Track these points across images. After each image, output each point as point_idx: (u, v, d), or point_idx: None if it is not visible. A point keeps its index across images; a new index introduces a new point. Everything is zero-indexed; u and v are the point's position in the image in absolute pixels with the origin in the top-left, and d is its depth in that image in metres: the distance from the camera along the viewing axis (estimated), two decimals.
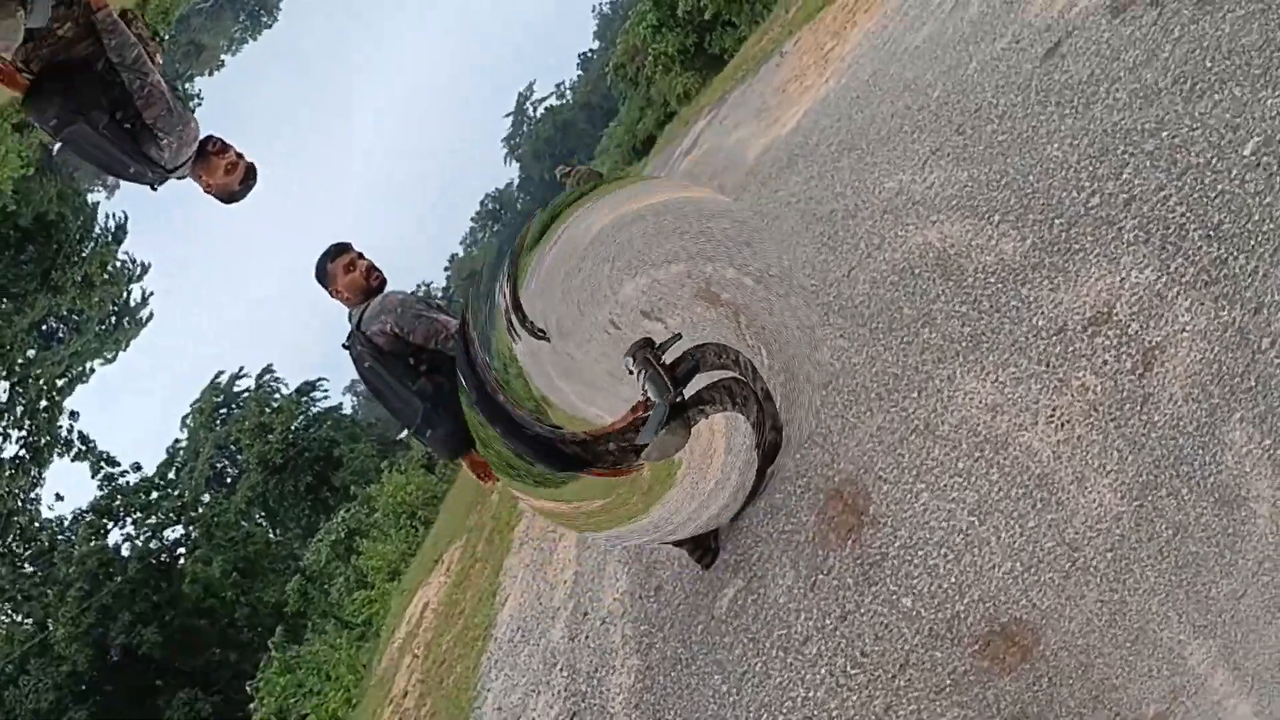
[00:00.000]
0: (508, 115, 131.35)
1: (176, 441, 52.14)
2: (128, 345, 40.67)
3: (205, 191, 3.97)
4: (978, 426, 3.01)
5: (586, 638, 5.46)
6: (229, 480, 52.94)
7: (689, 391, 3.43)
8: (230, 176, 3.90)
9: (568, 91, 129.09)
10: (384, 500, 27.17)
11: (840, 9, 12.94)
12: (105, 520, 33.28)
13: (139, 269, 41.13)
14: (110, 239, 39.19)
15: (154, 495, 36.94)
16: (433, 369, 3.90)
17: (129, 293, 40.68)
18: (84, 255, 37.66)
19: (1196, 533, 2.35)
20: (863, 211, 5.58)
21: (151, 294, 40.06)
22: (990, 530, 2.76)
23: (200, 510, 40.35)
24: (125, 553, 32.51)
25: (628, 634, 4.85)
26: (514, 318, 3.47)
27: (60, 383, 37.61)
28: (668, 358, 3.71)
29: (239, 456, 47.57)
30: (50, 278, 35.23)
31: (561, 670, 5.51)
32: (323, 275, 4.14)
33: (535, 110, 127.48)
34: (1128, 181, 3.14)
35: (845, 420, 3.93)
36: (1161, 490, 2.54)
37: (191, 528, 36.84)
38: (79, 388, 38.92)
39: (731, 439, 3.60)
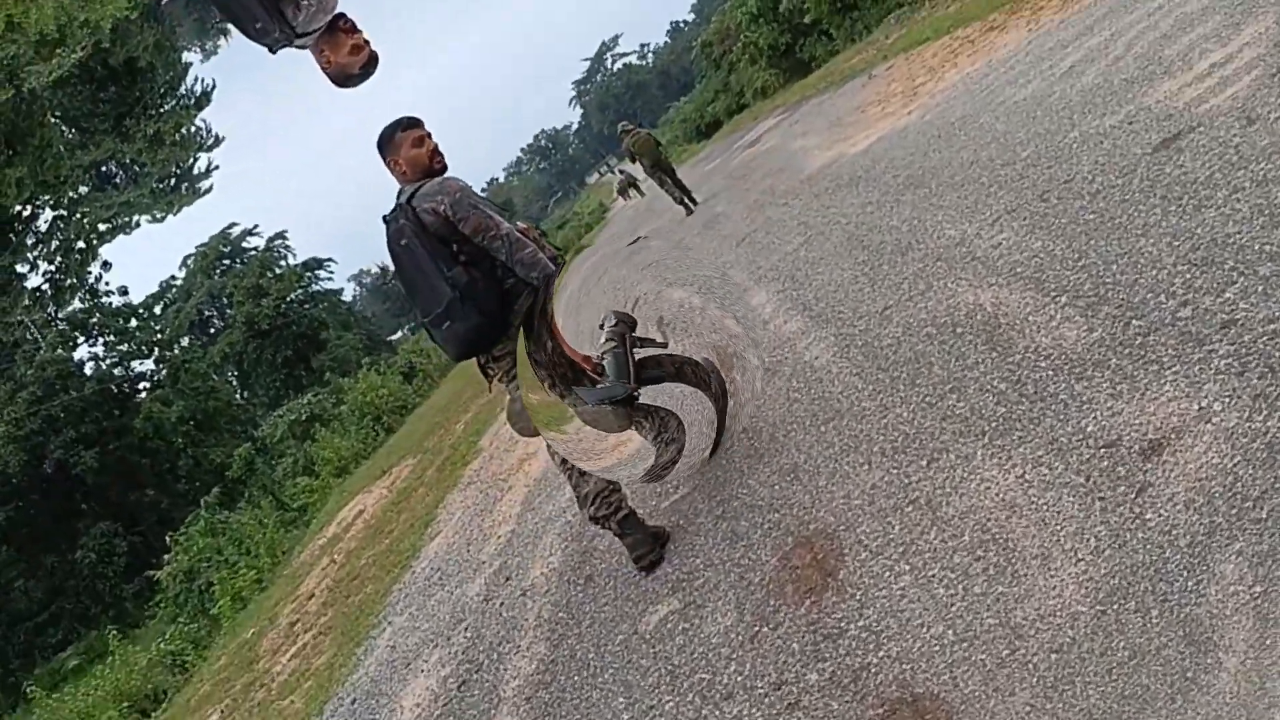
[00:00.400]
0: (585, 60, 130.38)
1: (172, 279, 51.86)
2: (179, 210, 40.03)
3: (323, 68, 3.84)
4: (987, 522, 2.63)
5: (502, 604, 5.10)
6: (212, 331, 52.67)
7: None
8: (353, 58, 3.80)
9: (650, 55, 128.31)
10: (354, 395, 26.81)
11: (943, 48, 12.49)
12: (77, 334, 32.88)
13: (212, 139, 40.80)
14: (193, 102, 38.89)
15: (133, 323, 36.52)
16: (471, 262, 3.82)
17: (195, 160, 40.26)
18: (162, 110, 37.35)
19: (1154, 665, 2.03)
20: (915, 251, 5.19)
21: (217, 167, 39.50)
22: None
23: (175, 352, 39.99)
24: (88, 371, 32.10)
25: (543, 616, 4.49)
26: None
27: (103, 227, 37.17)
28: (641, 352, 3.98)
29: (228, 311, 47.29)
30: (123, 123, 34.88)
31: (466, 630, 5.15)
32: (388, 143, 4.01)
33: (613, 63, 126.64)
34: (1230, 302, 2.76)
35: (838, 465, 3.55)
36: (1130, 602, 2.22)
37: (161, 366, 36.47)
38: (120, 238, 38.52)
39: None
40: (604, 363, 3.90)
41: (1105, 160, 4.35)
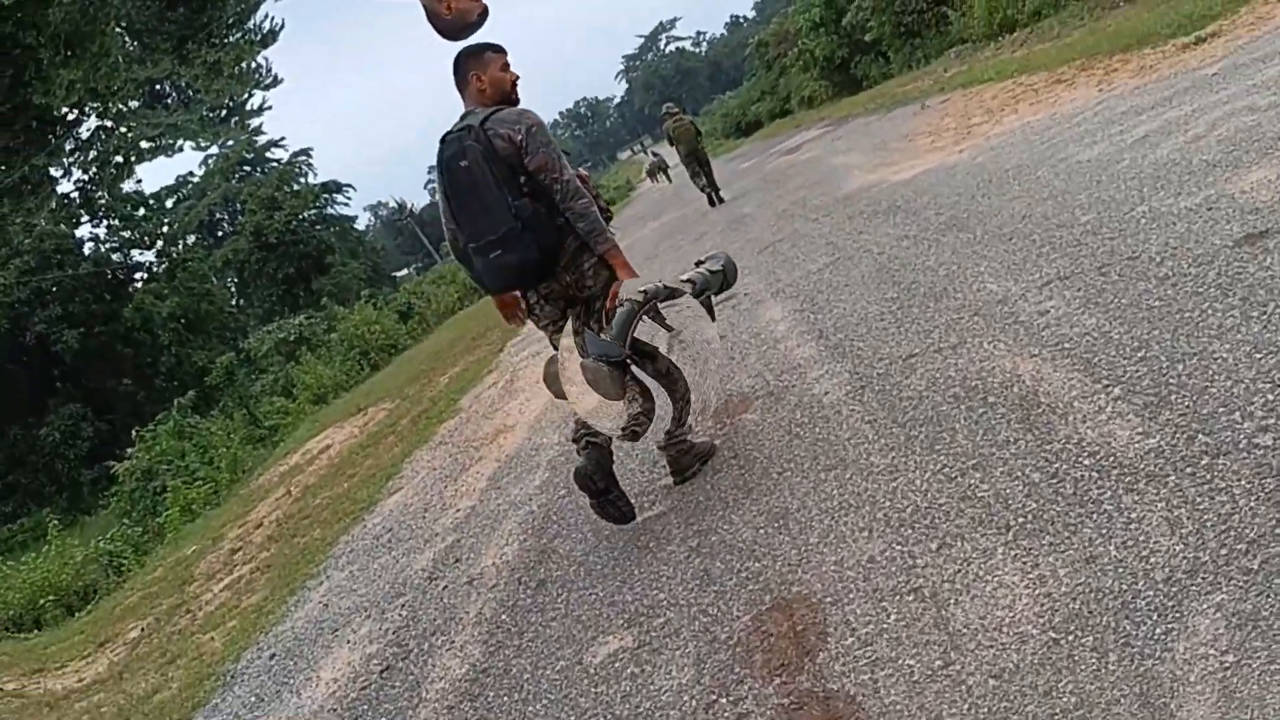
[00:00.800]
0: (640, 36, 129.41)
1: (189, 174, 51.27)
2: (225, 142, 39.52)
3: (438, 15, 3.88)
4: (1005, 640, 2.27)
5: (445, 588, 4.74)
6: (219, 235, 52.15)
7: None
8: (472, 4, 3.89)
9: (704, 43, 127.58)
10: (346, 325, 26.41)
11: (1004, 91, 12.08)
12: (83, 210, 32.31)
13: (270, 79, 40.46)
14: (258, 38, 38.50)
15: (141, 211, 35.99)
16: (534, 196, 3.79)
17: (250, 95, 39.76)
18: (226, 41, 36.93)
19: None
20: (950, 299, 4.82)
21: (270, 107, 38.95)
22: None
23: (178, 248, 39.51)
24: (86, 252, 31.60)
25: (485, 614, 4.13)
26: None
27: (145, 145, 36.60)
28: (639, 331, 3.95)
29: (239, 218, 46.68)
30: (186, 46, 34.41)
31: (403, 607, 4.80)
32: (475, 59, 3.94)
33: (667, 45, 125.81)
34: None
35: (834, 523, 3.19)
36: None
37: (161, 260, 36.00)
38: (160, 159, 38.05)
39: None
40: (621, 304, 3.88)
41: (1178, 245, 3.98)
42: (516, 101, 3.98)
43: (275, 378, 25.67)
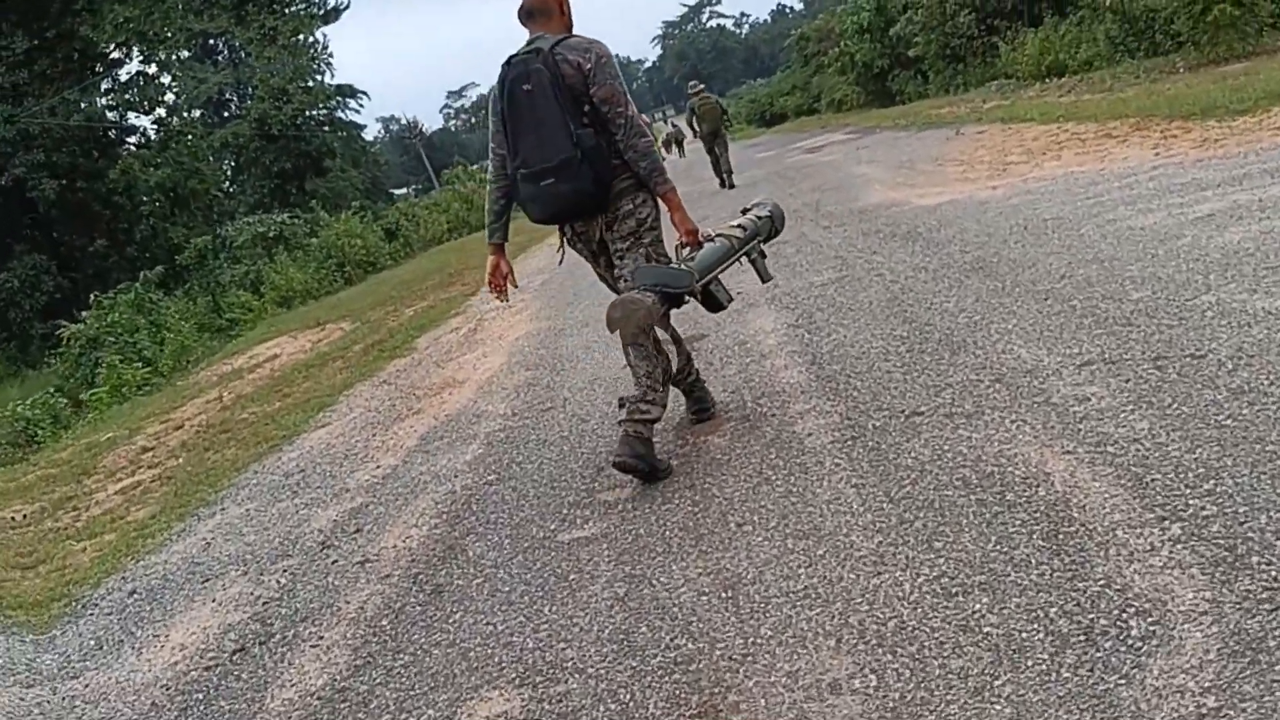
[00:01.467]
0: (684, 5, 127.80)
1: (209, 37, 49.81)
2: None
3: None
4: None
5: (334, 563, 4.09)
6: (225, 115, 50.85)
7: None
8: None
9: (746, 25, 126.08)
10: (328, 233, 25.55)
11: (1047, 134, 11.43)
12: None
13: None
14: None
15: (149, 69, 34.74)
16: (596, 126, 3.71)
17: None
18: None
19: None
20: (969, 354, 4.18)
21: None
22: None
23: (178, 119, 38.32)
24: (83, 106, 30.41)
25: (365, 613, 3.48)
26: None
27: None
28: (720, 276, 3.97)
29: (247, 102, 45.37)
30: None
31: (283, 574, 4.14)
32: (536, 3, 3.87)
33: (708, 19, 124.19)
34: None
35: (795, 616, 2.56)
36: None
37: (158, 128, 34.84)
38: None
39: None
40: (709, 240, 3.95)
41: (1255, 353, 3.34)
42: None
43: (247, 271, 24.77)
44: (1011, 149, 11.01)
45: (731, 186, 16.54)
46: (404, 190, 75.33)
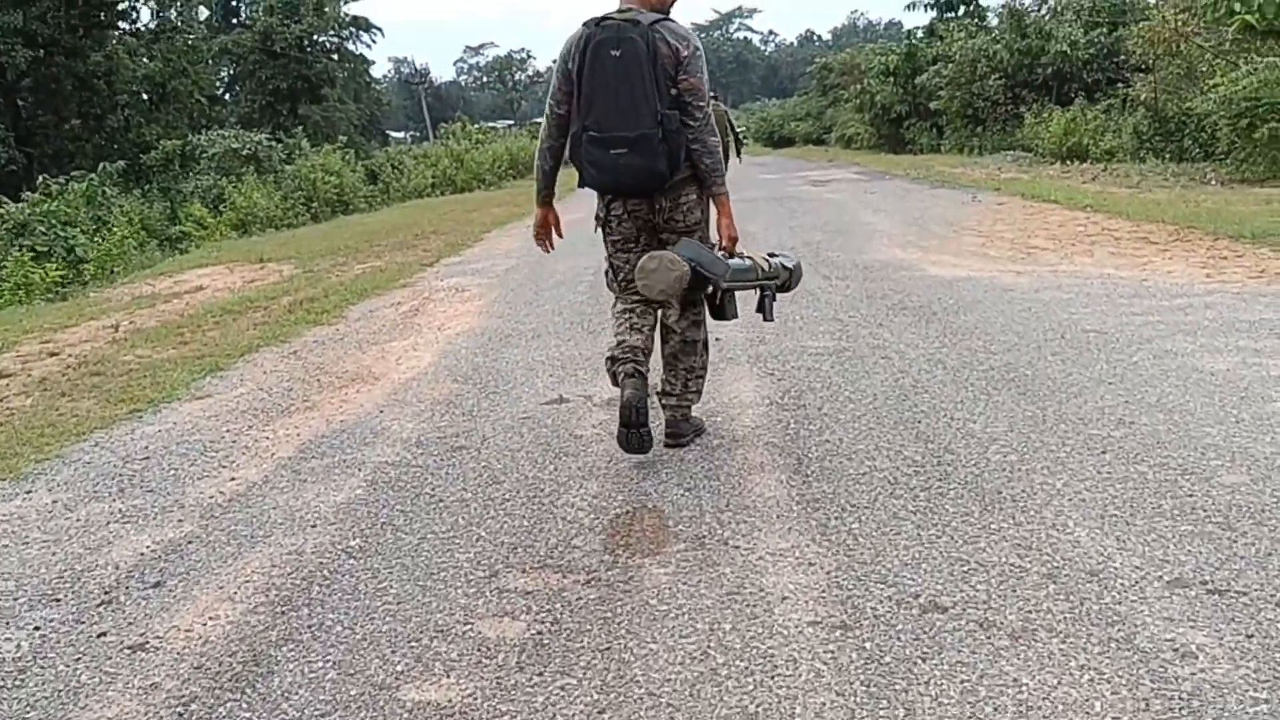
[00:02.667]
0: (716, 11, 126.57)
1: None
2: None
3: None
4: None
5: (100, 637, 2.93)
6: (234, 22, 48.96)
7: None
8: None
9: (772, 44, 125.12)
10: (306, 162, 24.18)
11: (1073, 221, 10.46)
12: None
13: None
14: None
15: None
16: (679, 108, 3.64)
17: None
18: None
19: None
20: (1005, 518, 3.11)
21: None
22: None
23: (176, 12, 36.59)
24: None
25: (213, 635, 2.34)
26: None
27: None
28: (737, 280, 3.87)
29: (256, 15, 43.57)
30: None
31: (26, 636, 2.98)
32: None
33: (736, 30, 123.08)
34: None
35: None
36: None
37: (155, 18, 33.14)
38: None
39: None
40: (742, 256, 3.88)
41: None
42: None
43: (211, 186, 23.32)
44: (1035, 230, 10.00)
45: None
46: (401, 134, 73.55)
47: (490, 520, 3.48)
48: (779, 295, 4.22)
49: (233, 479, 4.23)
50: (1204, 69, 18.17)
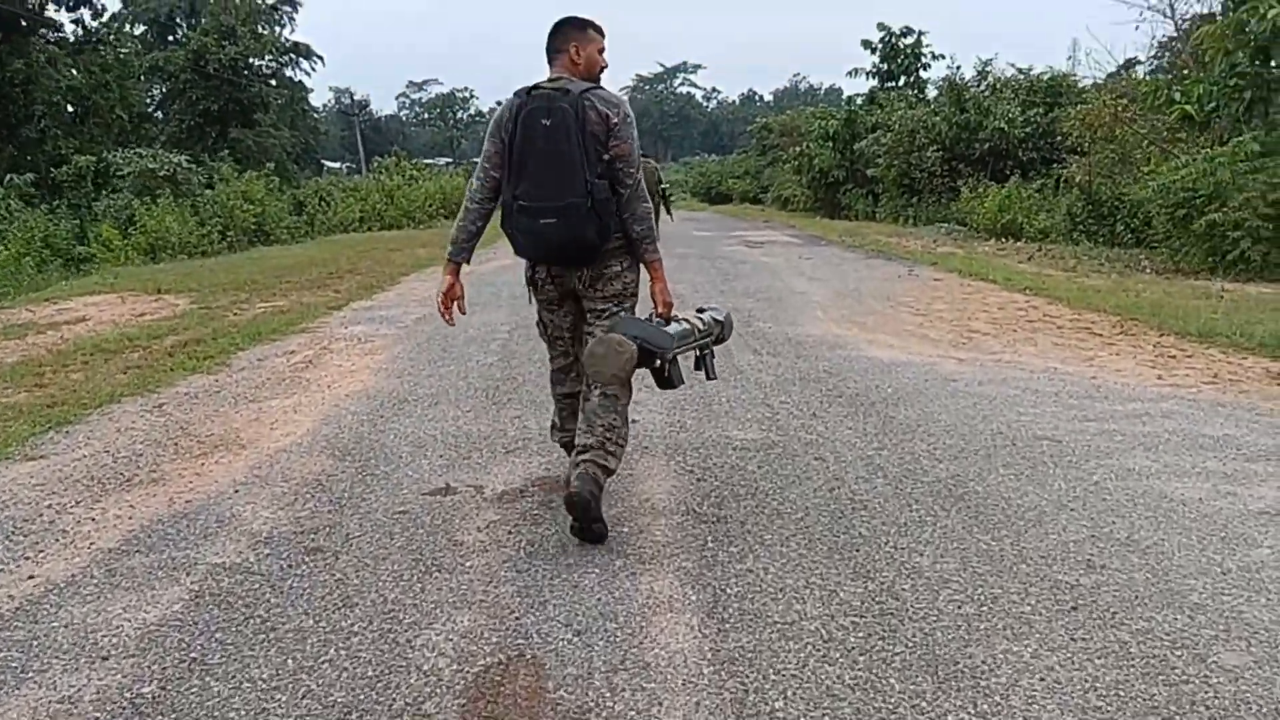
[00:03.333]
0: (661, 65, 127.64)
1: None
2: None
3: None
4: None
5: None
6: (169, 39, 47.71)
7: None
8: None
9: (715, 101, 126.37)
10: (226, 189, 23.20)
11: (1013, 304, 10.08)
12: None
13: None
14: None
15: None
16: (610, 180, 3.62)
17: None
18: None
19: None
20: (964, 700, 2.50)
21: None
22: None
23: (115, 32, 35.43)
24: None
25: None
26: None
27: None
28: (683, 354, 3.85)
29: (191, 33, 42.44)
30: None
31: None
32: (580, 31, 3.78)
33: (680, 84, 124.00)
34: None
35: None
36: None
37: (83, 31, 31.94)
38: None
39: None
40: (679, 320, 3.84)
41: None
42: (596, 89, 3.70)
43: (125, 205, 22.18)
44: (974, 311, 9.58)
45: None
46: (338, 165, 72.22)
47: (327, 664, 2.78)
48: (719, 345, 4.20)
49: (31, 577, 3.47)
50: (1139, 155, 18.24)
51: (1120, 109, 17.29)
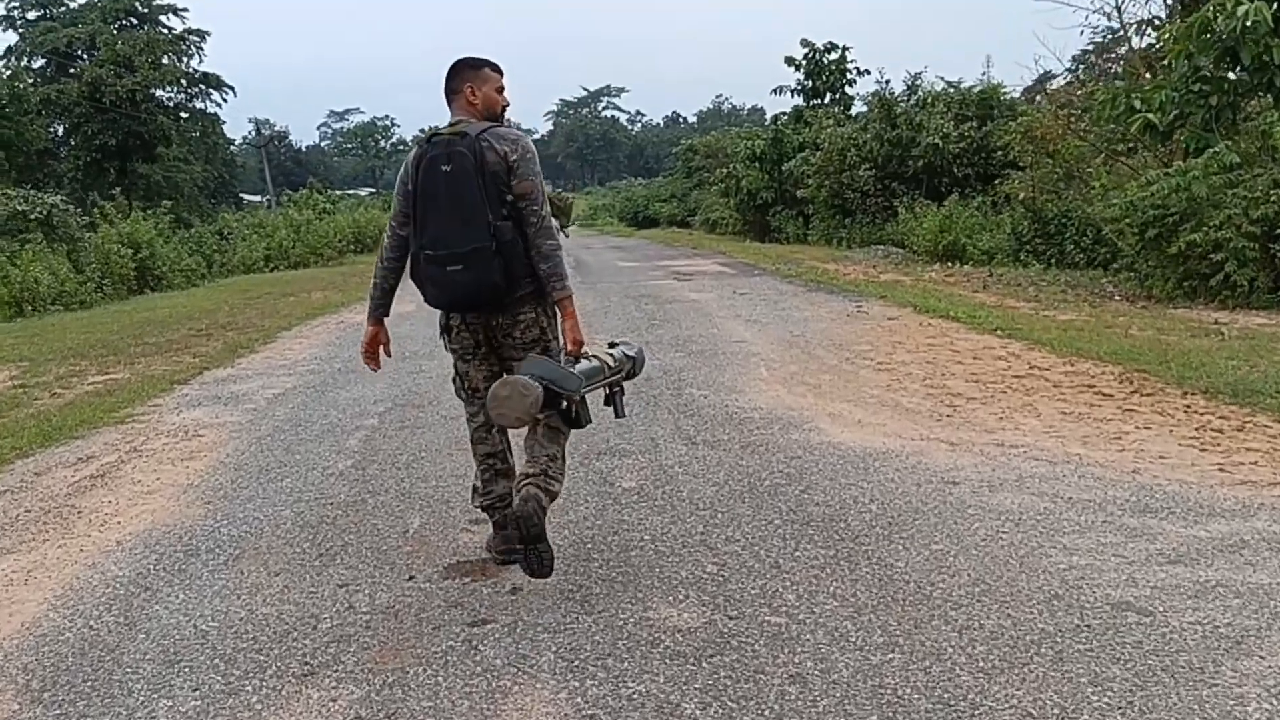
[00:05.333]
0: (584, 90, 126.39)
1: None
2: None
3: None
4: None
5: None
6: (71, 71, 44.85)
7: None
8: None
9: (639, 124, 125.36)
10: (109, 231, 20.90)
11: (989, 351, 8.48)
12: None
13: None
14: None
15: None
16: (515, 221, 3.51)
17: None
18: None
19: None
20: None
21: None
22: None
23: (8, 65, 32.80)
24: None
25: None
26: None
27: None
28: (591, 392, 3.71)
29: (92, 59, 39.63)
30: None
31: None
32: (474, 71, 3.69)
33: (605, 108, 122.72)
34: None
35: None
36: None
37: None
38: None
39: None
40: (589, 358, 3.69)
41: None
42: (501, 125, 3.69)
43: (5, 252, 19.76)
44: (947, 364, 7.90)
45: None
46: (258, 198, 69.24)
47: None
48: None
49: None
50: (1087, 170, 16.90)
51: (1070, 120, 15.86)
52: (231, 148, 64.39)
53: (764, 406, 6.57)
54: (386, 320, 3.93)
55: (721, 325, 10.55)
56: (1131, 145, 15.23)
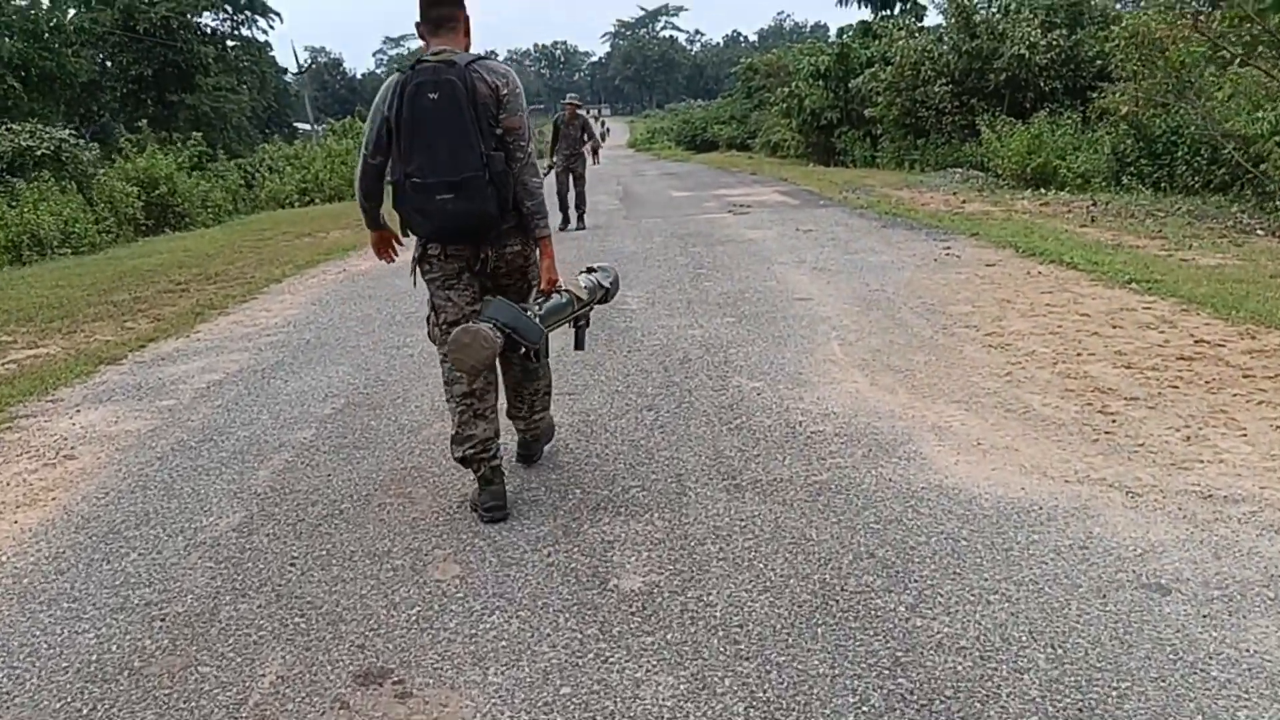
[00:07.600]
0: (642, 9, 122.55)
1: None
2: None
3: None
4: None
5: None
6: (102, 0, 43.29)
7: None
8: None
9: (698, 43, 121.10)
10: (125, 165, 19.33)
11: (1130, 315, 6.42)
12: None
13: None
14: None
15: None
16: (504, 152, 3.36)
17: None
18: None
19: None
20: None
21: None
22: None
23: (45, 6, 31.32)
24: None
25: None
26: None
27: None
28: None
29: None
30: None
31: None
32: (450, 13, 3.44)
33: (663, 28, 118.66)
34: None
35: None
36: None
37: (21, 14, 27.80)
38: None
39: None
40: (559, 291, 3.61)
41: None
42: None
43: (15, 189, 18.33)
44: (1079, 337, 5.88)
45: (581, 227, 13.22)
46: (317, 127, 67.66)
47: None
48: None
49: None
50: (1204, 78, 14.41)
51: (1196, 20, 13.29)
52: (284, 77, 62.86)
53: (839, 411, 4.66)
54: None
55: (781, 276, 8.57)
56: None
